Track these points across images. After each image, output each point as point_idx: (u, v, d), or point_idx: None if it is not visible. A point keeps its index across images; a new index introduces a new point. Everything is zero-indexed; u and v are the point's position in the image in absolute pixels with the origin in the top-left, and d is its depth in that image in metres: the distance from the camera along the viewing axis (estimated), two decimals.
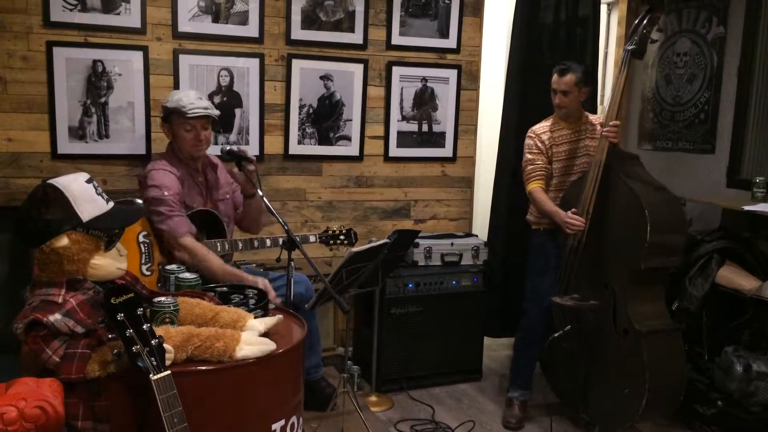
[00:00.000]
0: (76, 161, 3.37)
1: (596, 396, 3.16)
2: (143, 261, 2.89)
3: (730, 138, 3.58)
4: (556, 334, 3.19)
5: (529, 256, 3.56)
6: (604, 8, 4.52)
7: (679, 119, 3.90)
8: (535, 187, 3.34)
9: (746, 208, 3.15)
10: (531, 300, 3.49)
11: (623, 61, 3.08)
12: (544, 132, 3.39)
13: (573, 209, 3.10)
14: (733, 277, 3.14)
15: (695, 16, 3.78)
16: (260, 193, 2.70)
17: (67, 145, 3.36)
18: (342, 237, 3.23)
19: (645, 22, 3.04)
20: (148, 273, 2.89)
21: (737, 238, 3.32)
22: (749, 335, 3.10)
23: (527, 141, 3.41)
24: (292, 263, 2.75)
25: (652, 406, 2.91)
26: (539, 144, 3.36)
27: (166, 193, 2.89)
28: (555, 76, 3.31)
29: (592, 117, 3.49)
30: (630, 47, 3.06)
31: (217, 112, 3.08)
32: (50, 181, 1.90)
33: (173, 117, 2.99)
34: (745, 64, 3.50)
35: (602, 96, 4.70)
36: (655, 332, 2.94)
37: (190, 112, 2.95)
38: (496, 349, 4.42)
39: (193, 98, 3.00)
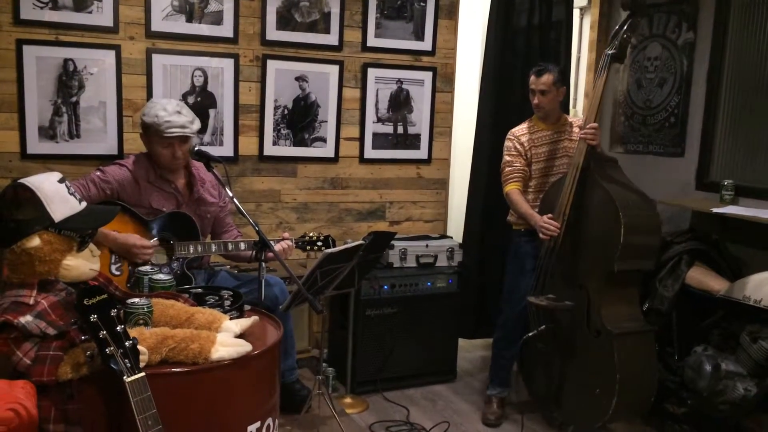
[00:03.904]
0: (46, 161, 3.32)
1: (569, 395, 3.19)
2: (113, 261, 2.86)
3: (700, 141, 3.65)
4: (530, 334, 3.22)
5: (508, 256, 3.59)
6: (576, 13, 4.58)
7: (650, 123, 3.96)
8: (512, 188, 3.37)
9: (715, 210, 3.21)
10: (508, 300, 3.51)
11: (603, 65, 3.08)
12: (523, 134, 3.42)
13: (549, 214, 3.13)
14: (703, 278, 3.19)
15: (666, 22, 3.85)
16: (230, 194, 2.68)
17: (36, 145, 3.30)
18: (319, 243, 3.21)
19: (626, 27, 3.06)
20: (117, 273, 2.86)
21: (706, 240, 3.38)
22: (718, 335, 3.16)
23: (506, 143, 3.44)
24: (264, 265, 2.73)
25: (622, 407, 2.95)
26: (518, 146, 3.39)
27: (97, 172, 2.95)
28: (532, 77, 3.34)
29: (570, 119, 3.53)
30: (610, 52, 3.07)
31: (196, 127, 3.04)
32: (22, 180, 1.87)
33: (151, 131, 2.97)
34: (713, 69, 3.57)
35: (574, 99, 4.76)
36: (628, 334, 2.98)
37: (166, 131, 2.93)
38: (471, 350, 4.44)
39: (171, 113, 2.95)
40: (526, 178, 3.41)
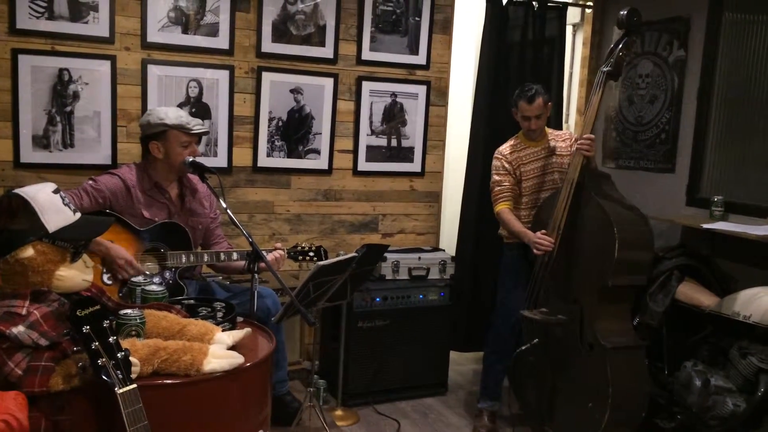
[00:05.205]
0: (39, 171, 3.32)
1: (561, 409, 3.20)
2: (104, 270, 2.86)
3: (690, 158, 3.68)
4: (523, 348, 3.22)
5: (500, 270, 3.60)
6: (569, 29, 4.62)
7: (641, 139, 4.00)
8: (502, 208, 3.38)
9: (705, 226, 3.24)
10: (500, 314, 3.52)
11: (598, 82, 3.09)
12: (510, 152, 3.43)
13: (543, 230, 3.14)
14: (693, 294, 3.21)
15: (657, 39, 3.89)
16: (224, 205, 2.69)
17: (30, 154, 3.30)
18: (311, 254, 3.21)
19: (621, 45, 3.08)
20: (108, 282, 2.86)
21: (696, 256, 3.40)
22: (708, 350, 3.17)
23: (494, 162, 3.45)
24: (257, 276, 2.73)
25: (615, 421, 2.95)
26: (506, 165, 3.41)
27: (89, 182, 2.95)
28: (523, 104, 3.32)
29: (555, 133, 3.54)
30: (606, 69, 3.08)
31: None
32: (16, 191, 1.88)
33: (172, 133, 2.98)
34: (704, 86, 3.61)
35: (567, 115, 4.79)
36: (621, 348, 2.98)
37: (194, 128, 3.02)
38: (462, 363, 4.45)
39: (187, 114, 3.08)
40: (516, 196, 3.42)
